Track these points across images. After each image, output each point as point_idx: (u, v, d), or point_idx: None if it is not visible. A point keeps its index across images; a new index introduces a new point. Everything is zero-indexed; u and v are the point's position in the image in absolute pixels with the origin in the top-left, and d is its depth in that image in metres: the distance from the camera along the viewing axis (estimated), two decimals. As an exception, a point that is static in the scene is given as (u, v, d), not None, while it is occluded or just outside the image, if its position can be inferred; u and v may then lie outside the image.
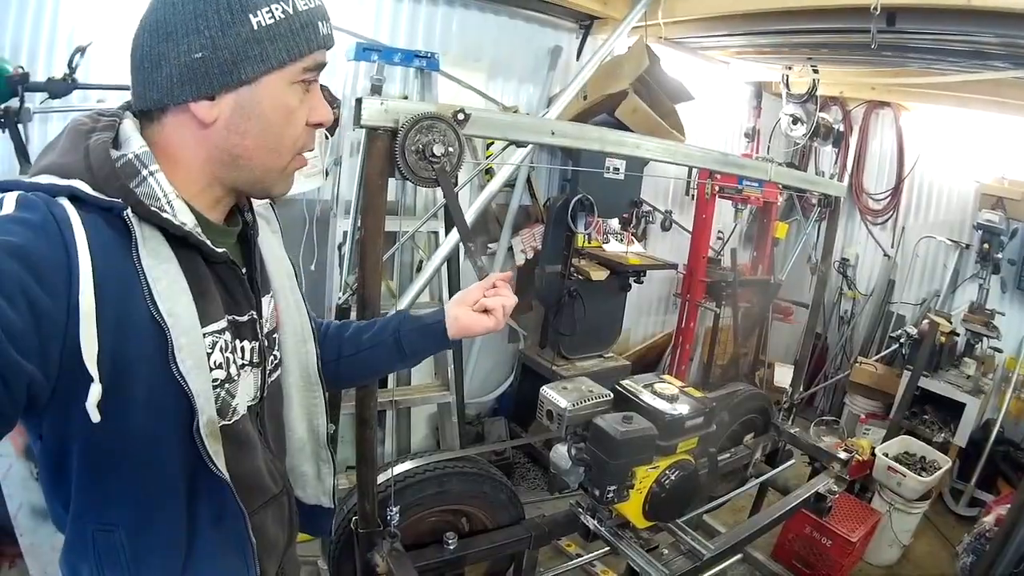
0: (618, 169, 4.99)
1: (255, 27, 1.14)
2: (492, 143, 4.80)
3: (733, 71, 6.21)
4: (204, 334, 1.19)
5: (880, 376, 5.92)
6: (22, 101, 2.94)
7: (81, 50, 3.06)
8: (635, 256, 5.39)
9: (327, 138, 3.95)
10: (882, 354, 6.36)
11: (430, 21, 4.65)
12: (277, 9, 1.16)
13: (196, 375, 1.14)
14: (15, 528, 2.80)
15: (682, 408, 2.46)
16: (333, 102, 3.91)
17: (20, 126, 2.94)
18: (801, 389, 3.75)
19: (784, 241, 7.11)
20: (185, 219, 1.17)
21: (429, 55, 4.10)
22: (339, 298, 3.96)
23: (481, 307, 1.68)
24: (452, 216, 1.88)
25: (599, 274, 5.02)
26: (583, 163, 4.87)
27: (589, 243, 5.25)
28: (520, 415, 5.43)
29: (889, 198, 6.98)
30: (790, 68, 5.71)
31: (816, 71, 5.51)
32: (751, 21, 4.43)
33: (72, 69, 3.08)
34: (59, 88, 3.05)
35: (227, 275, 1.31)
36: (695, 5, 4.44)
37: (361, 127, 1.75)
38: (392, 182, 1.80)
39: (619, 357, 5.59)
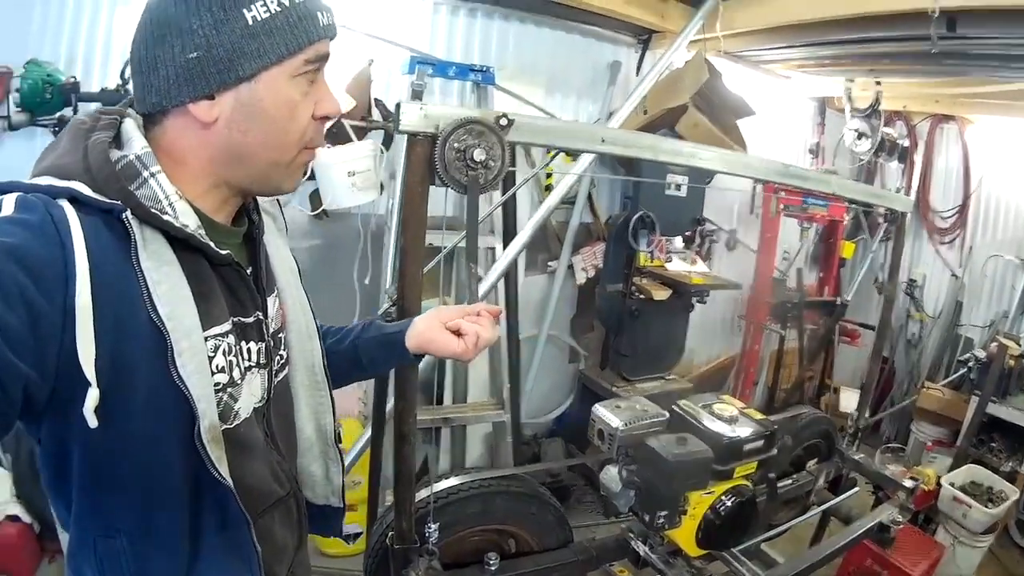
0: (680, 185, 4.90)
1: (250, 22, 1.12)
2: (552, 158, 4.74)
3: (795, 85, 6.06)
4: (206, 337, 1.18)
5: (947, 402, 5.63)
6: (75, 111, 3.00)
7: (135, 61, 3.10)
8: (698, 276, 5.24)
9: (383, 152, 3.92)
10: (950, 379, 6.06)
11: (486, 36, 4.64)
12: (272, 2, 1.14)
13: (197, 380, 1.12)
14: (57, 525, 2.84)
15: (741, 430, 2.34)
16: (388, 116, 3.89)
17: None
18: (867, 414, 3.60)
19: (851, 261, 6.90)
20: (187, 221, 1.15)
21: (484, 69, 4.07)
22: (382, 309, 3.92)
23: (455, 327, 1.58)
24: (467, 231, 1.82)
25: (661, 294, 4.91)
26: (644, 181, 4.78)
27: (652, 262, 5.12)
28: (579, 437, 5.29)
29: (956, 216, 6.75)
30: (852, 81, 5.55)
31: (879, 83, 5.33)
32: (810, 32, 4.32)
33: (125, 80, 3.14)
34: (112, 98, 3.11)
35: (231, 277, 1.29)
36: (753, 17, 4.34)
37: (400, 133, 1.71)
38: (451, 196, 1.77)
39: (681, 379, 5.43)
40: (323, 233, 4.31)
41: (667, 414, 2.41)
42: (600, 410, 2.38)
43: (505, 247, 4.16)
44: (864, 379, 4.02)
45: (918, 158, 6.87)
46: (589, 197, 5.21)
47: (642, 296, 4.89)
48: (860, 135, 5.79)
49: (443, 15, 4.47)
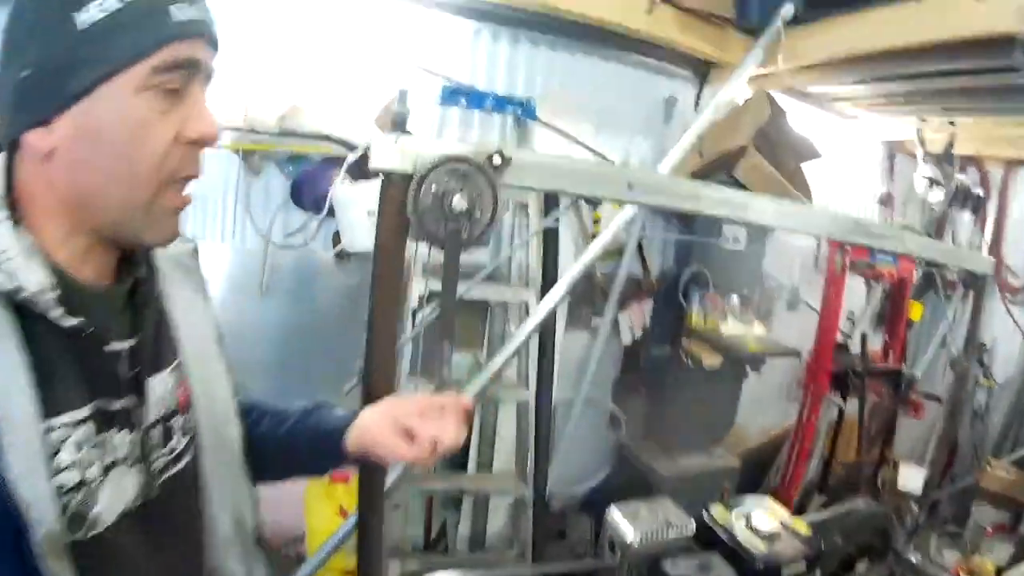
0: (738, 239, 4.52)
1: (79, 27, 0.93)
2: (599, 205, 4.47)
3: (863, 126, 5.65)
4: (51, 428, 0.96)
5: (1011, 482, 5.14)
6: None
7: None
8: (755, 341, 4.86)
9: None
10: (1015, 456, 5.62)
11: (530, 65, 4.28)
12: (109, 0, 0.94)
13: (30, 481, 0.92)
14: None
15: (781, 549, 2.02)
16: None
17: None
18: (927, 504, 3.23)
19: (917, 323, 6.40)
20: (27, 281, 0.94)
21: (524, 101, 3.76)
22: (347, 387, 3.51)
23: (407, 430, 1.26)
24: (442, 297, 1.48)
25: (712, 360, 4.55)
26: (699, 231, 4.44)
27: (705, 322, 4.75)
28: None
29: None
30: (924, 120, 5.15)
31: (953, 124, 4.96)
32: (878, 64, 3.92)
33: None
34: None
35: (93, 350, 1.04)
36: (819, 46, 3.94)
37: (373, 171, 1.41)
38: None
39: (728, 455, 5.03)
40: (347, 274, 4.07)
41: (693, 524, 2.08)
42: (616, 515, 2.07)
43: (540, 300, 3.80)
44: (927, 459, 3.64)
45: (991, 207, 6.46)
46: (639, 248, 4.82)
47: (691, 361, 4.55)
48: (933, 183, 5.36)
49: (484, 41, 4.14)
